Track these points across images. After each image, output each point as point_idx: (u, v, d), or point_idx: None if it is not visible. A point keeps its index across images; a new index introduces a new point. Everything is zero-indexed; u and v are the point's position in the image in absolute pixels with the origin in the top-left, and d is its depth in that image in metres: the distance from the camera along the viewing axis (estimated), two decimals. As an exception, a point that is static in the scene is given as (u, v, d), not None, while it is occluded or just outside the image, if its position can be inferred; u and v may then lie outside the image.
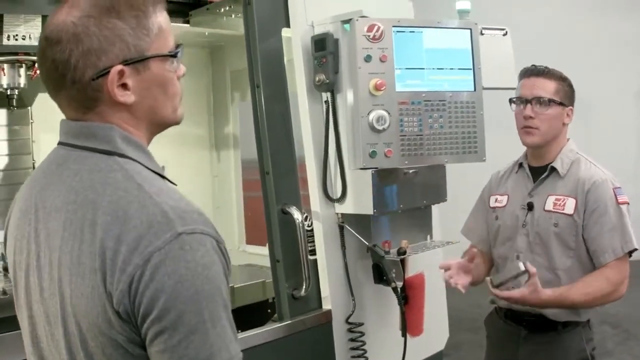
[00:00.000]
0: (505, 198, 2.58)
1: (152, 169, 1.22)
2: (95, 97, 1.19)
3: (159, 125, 1.29)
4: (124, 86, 1.19)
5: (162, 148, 3.18)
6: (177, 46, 1.27)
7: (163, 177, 1.24)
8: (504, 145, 3.07)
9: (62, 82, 1.18)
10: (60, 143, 1.26)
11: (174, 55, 1.26)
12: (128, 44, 1.18)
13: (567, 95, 2.45)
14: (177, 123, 1.32)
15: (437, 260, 2.78)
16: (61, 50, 1.16)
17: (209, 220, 1.16)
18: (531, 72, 2.47)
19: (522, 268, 2.25)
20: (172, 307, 1.08)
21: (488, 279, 2.34)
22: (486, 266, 2.66)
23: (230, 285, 1.19)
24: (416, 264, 2.52)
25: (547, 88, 2.42)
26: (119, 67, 1.18)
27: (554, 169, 2.46)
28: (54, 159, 1.26)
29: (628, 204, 2.39)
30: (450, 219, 2.96)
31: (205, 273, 1.10)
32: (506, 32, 2.65)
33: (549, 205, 2.43)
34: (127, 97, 1.20)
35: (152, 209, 1.12)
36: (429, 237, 2.59)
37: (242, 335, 2.18)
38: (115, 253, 1.10)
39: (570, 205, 2.39)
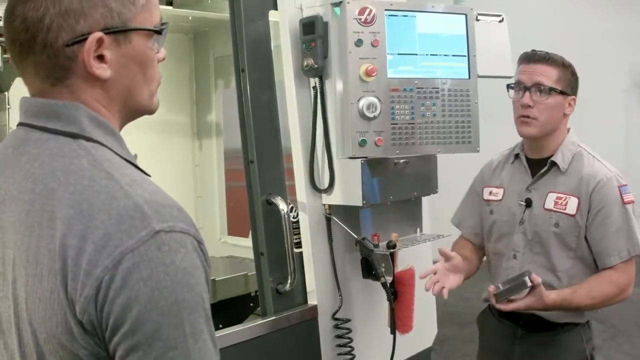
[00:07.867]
0: (500, 191, 2.48)
1: (123, 157, 1.08)
2: (67, 66, 1.04)
3: (132, 110, 1.14)
4: (101, 58, 1.05)
5: (143, 135, 3.18)
6: (163, 24, 1.14)
7: (136, 166, 1.09)
8: (497, 137, 2.98)
9: (32, 45, 1.03)
10: (19, 124, 1.10)
11: (159, 32, 1.12)
12: (111, 11, 1.04)
13: (569, 84, 2.33)
14: (151, 112, 1.18)
15: (426, 253, 2.70)
16: (35, 8, 1.01)
17: (189, 218, 1.02)
18: (531, 58, 2.35)
19: (529, 284, 2.15)
20: (148, 319, 0.94)
21: (491, 288, 2.24)
22: (478, 257, 2.57)
23: (210, 279, 1.06)
24: (405, 258, 2.43)
25: (548, 75, 2.30)
26: (99, 34, 1.03)
27: (554, 164, 2.35)
28: (11, 141, 1.10)
29: (634, 202, 2.28)
30: (438, 210, 2.87)
31: (186, 279, 0.96)
32: (502, 19, 2.56)
33: (550, 204, 2.32)
34: (103, 70, 1.05)
35: (124, 202, 0.97)
36: (418, 230, 2.50)
37: (223, 332, 2.09)
38: (78, 252, 0.95)
39: (572, 205, 2.28)
